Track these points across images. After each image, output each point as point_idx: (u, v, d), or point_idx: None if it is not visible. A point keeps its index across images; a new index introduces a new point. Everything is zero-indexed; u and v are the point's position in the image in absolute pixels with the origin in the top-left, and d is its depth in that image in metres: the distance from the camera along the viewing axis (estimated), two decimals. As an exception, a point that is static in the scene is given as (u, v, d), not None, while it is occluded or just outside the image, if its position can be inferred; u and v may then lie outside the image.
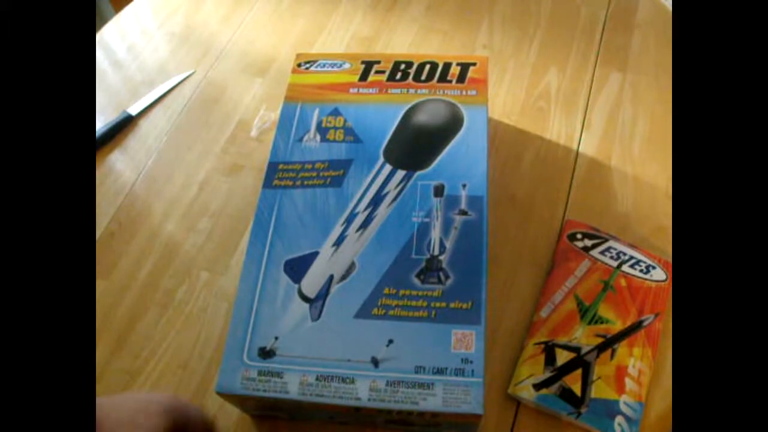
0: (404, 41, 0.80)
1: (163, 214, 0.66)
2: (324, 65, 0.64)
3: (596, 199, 0.65)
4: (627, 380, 0.52)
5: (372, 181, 0.54)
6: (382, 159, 0.56)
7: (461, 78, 0.61)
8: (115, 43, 0.84)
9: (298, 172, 0.56)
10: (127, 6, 0.88)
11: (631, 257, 0.58)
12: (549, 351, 0.53)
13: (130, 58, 0.81)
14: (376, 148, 0.56)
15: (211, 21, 0.85)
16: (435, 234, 0.51)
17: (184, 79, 0.78)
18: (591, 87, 0.74)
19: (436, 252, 0.50)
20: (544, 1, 0.83)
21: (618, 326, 0.54)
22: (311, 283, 0.49)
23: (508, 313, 0.57)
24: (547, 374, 0.52)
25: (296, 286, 0.49)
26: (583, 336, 0.54)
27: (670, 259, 0.59)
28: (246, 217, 0.65)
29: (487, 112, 0.59)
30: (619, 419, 0.50)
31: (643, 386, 0.52)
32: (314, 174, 0.55)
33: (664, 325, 0.55)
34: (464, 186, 0.53)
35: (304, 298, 0.49)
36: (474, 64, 0.62)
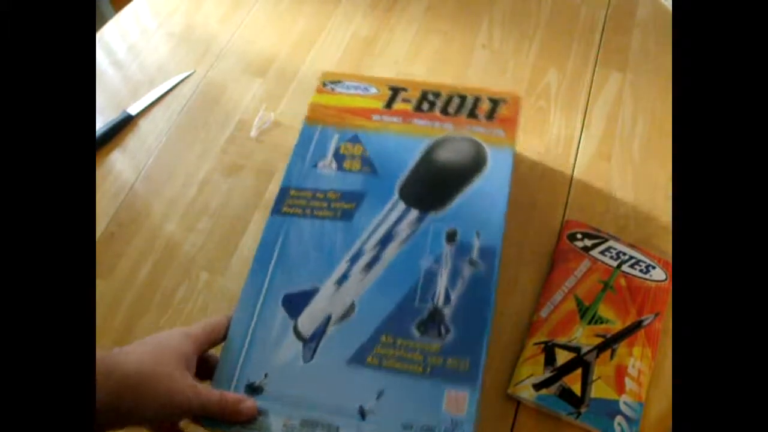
0: (404, 41, 0.80)
1: (163, 214, 0.66)
2: (349, 87, 0.61)
3: (596, 199, 0.65)
4: (627, 380, 0.52)
5: (384, 219, 0.52)
6: (396, 195, 0.53)
7: (490, 115, 0.58)
8: (115, 43, 0.84)
9: (309, 200, 0.54)
10: (127, 6, 0.88)
11: (631, 257, 0.58)
12: (549, 351, 0.53)
13: (130, 58, 0.81)
14: (392, 183, 0.54)
15: (211, 21, 0.85)
16: (441, 283, 0.49)
17: (184, 79, 0.78)
18: (591, 87, 0.74)
19: (440, 303, 0.48)
20: (544, 1, 0.83)
21: (618, 326, 0.54)
22: (308, 321, 0.48)
23: (508, 313, 0.57)
24: (547, 374, 0.52)
25: (292, 322, 0.48)
26: (582, 336, 0.54)
27: (670, 259, 0.59)
28: (246, 217, 0.65)
29: (514, 155, 0.56)
30: (618, 419, 0.50)
31: (642, 386, 0.52)
32: (325, 204, 0.53)
33: (664, 325, 0.55)
34: (478, 234, 0.51)
35: (299, 337, 0.47)
36: (505, 101, 0.59)
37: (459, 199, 0.53)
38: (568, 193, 0.65)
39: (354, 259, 0.50)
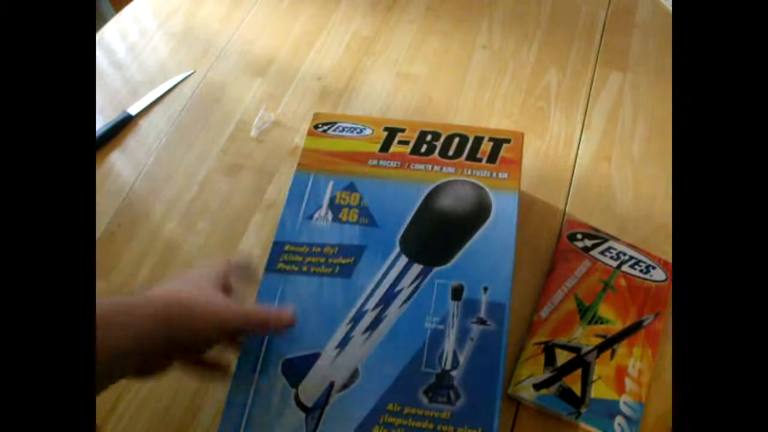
0: (404, 41, 0.80)
1: (163, 214, 0.66)
2: (343, 129, 0.58)
3: (596, 199, 0.65)
4: (627, 380, 0.52)
5: (385, 275, 0.49)
6: (398, 248, 0.50)
7: (492, 157, 0.55)
8: (115, 43, 0.84)
9: (305, 256, 0.51)
10: (127, 6, 0.88)
11: (631, 257, 0.58)
12: (549, 351, 0.53)
13: (130, 58, 0.81)
14: (393, 235, 0.51)
15: (211, 21, 0.85)
16: (449, 345, 0.46)
17: (184, 79, 0.78)
18: (591, 87, 0.74)
19: (448, 366, 0.45)
20: (544, 1, 0.83)
21: (618, 326, 0.54)
22: (310, 389, 0.45)
23: (508, 313, 0.57)
24: (547, 374, 0.52)
25: (293, 390, 0.45)
26: (583, 336, 0.54)
27: (670, 259, 0.59)
28: (245, 218, 0.65)
29: (519, 200, 0.54)
30: (619, 419, 0.50)
31: (643, 386, 0.52)
32: (323, 260, 0.51)
33: (664, 325, 0.55)
34: (485, 290, 0.48)
35: (301, 407, 0.45)
36: (508, 141, 0.56)
37: (464, 251, 0.50)
38: (568, 193, 0.65)
39: (355, 321, 0.48)
